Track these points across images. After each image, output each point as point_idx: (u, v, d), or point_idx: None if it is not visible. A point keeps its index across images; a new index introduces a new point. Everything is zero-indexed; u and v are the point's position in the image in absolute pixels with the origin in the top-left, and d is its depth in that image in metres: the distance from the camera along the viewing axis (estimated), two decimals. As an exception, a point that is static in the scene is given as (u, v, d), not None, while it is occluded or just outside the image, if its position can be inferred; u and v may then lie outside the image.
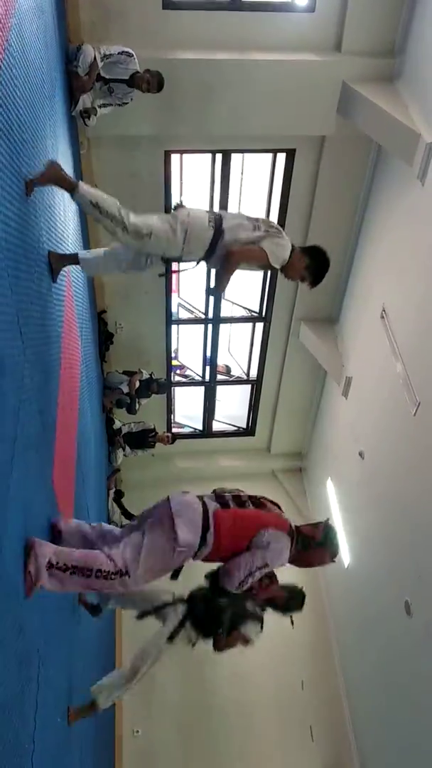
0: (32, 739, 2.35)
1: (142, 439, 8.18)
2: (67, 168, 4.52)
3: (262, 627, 3.72)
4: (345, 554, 7.79)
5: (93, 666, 4.87)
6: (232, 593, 2.93)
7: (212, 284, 3.86)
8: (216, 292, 3.89)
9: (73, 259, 3.82)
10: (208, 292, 4.07)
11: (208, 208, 3.83)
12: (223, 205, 7.01)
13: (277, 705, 7.82)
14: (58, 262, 3.50)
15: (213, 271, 3.85)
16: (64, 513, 3.44)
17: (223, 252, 3.57)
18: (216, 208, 7.00)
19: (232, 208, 7.24)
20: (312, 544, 3.09)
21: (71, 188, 3.24)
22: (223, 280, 3.70)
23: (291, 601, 3.83)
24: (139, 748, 7.37)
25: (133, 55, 5.18)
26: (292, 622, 7.71)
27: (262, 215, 3.92)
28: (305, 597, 3.88)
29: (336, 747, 7.59)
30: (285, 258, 3.65)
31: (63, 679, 3.25)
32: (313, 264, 3.79)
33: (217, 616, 3.57)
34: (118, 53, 5.15)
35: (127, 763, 7.17)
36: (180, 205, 3.77)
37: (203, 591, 3.43)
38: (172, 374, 9.03)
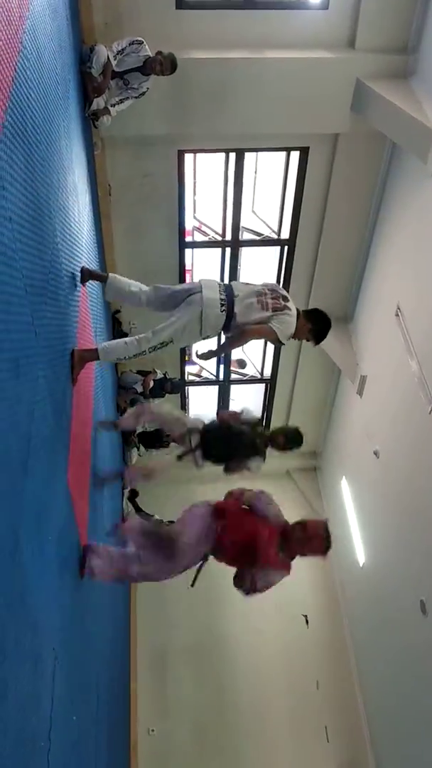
0: (48, 737, 2.36)
1: (157, 439, 8.18)
2: (81, 170, 4.55)
3: (264, 460, 4.43)
4: (360, 553, 7.76)
5: (108, 662, 4.89)
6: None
7: (213, 348, 4.33)
8: (214, 355, 4.35)
9: (101, 277, 4.25)
10: (206, 355, 4.31)
11: (218, 281, 4.15)
12: (237, 202, 6.99)
13: (292, 705, 7.80)
14: (87, 275, 4.07)
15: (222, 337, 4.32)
16: (78, 512, 3.45)
17: (236, 331, 4.00)
18: (226, 278, 7.35)
19: (245, 211, 7.22)
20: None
21: (95, 358, 3.84)
22: (229, 349, 4.51)
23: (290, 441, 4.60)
24: (154, 747, 7.39)
25: (143, 42, 5.16)
26: (307, 622, 7.77)
27: (269, 281, 4.32)
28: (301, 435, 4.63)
29: (351, 747, 7.56)
30: (291, 333, 4.05)
31: (78, 677, 3.26)
32: (315, 327, 4.19)
33: (228, 444, 4.32)
34: (129, 44, 5.16)
35: (142, 761, 7.19)
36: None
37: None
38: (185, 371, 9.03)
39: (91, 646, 3.83)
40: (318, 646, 8.24)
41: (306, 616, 8.44)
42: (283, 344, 4.13)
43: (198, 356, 4.35)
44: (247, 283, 4.16)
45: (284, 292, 4.13)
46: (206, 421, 4.45)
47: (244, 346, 4.48)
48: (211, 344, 4.38)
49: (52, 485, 2.75)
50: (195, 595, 7.77)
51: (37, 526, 2.37)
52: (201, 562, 3.62)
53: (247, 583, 3.46)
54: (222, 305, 3.89)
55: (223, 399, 9.33)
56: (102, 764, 4.08)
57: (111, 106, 5.36)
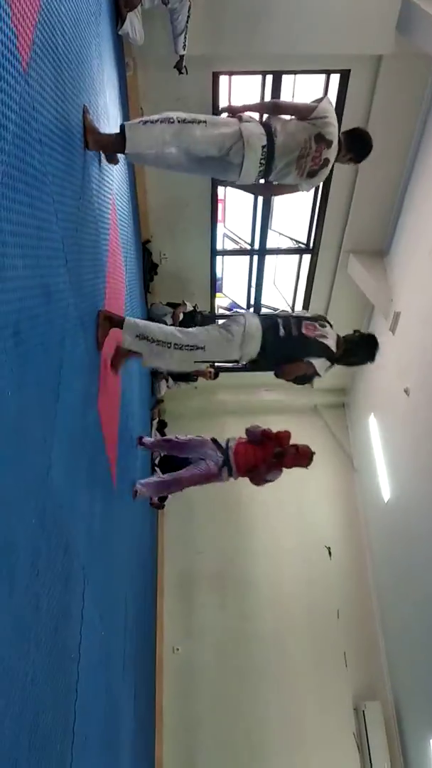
0: (78, 650, 2.48)
1: (185, 373, 8.22)
2: (113, 91, 4.41)
3: (332, 364, 3.75)
4: (385, 490, 7.83)
5: (135, 583, 5.08)
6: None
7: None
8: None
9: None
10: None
11: (263, 134, 3.40)
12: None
13: (313, 632, 8.07)
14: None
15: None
16: (108, 440, 3.52)
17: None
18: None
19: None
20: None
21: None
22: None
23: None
24: (178, 664, 7.75)
25: None
26: (330, 554, 7.98)
27: (315, 105, 3.54)
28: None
29: (369, 674, 7.85)
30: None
31: (107, 595, 3.40)
32: (356, 153, 3.75)
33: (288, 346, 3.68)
34: None
35: (167, 678, 7.57)
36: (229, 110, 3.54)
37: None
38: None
39: (119, 567, 3.98)
40: (340, 577, 8.44)
41: (329, 548, 8.62)
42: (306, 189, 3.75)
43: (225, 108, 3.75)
44: (295, 126, 3.52)
45: (331, 134, 3.48)
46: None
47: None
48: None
49: (82, 412, 2.79)
50: (221, 524, 8.01)
51: (68, 450, 2.42)
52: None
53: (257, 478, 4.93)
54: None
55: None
56: (129, 678, 4.30)
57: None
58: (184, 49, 5.47)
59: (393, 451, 7.68)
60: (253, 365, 3.71)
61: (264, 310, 3.99)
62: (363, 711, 7.47)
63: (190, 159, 3.37)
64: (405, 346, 7.08)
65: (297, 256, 8.49)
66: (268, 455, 4.78)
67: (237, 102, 3.79)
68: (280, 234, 8.25)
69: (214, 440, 5.00)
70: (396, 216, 7.32)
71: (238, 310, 9.20)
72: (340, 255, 8.00)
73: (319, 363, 3.66)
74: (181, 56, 5.57)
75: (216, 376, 8.33)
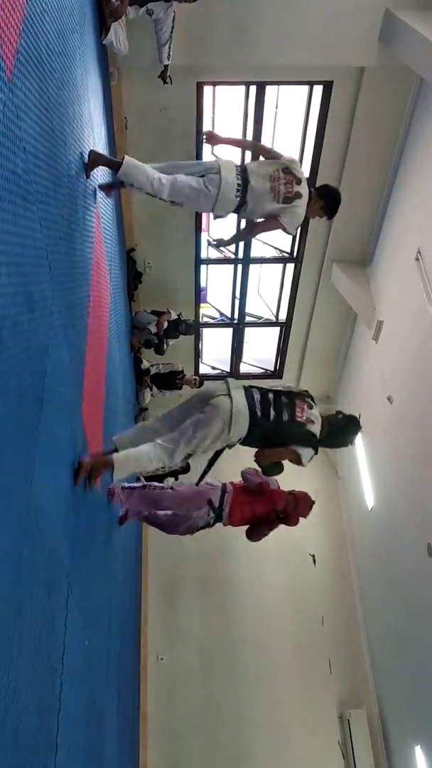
0: (62, 660, 2.46)
1: (170, 381, 8.23)
2: (97, 100, 4.43)
3: (315, 453, 3.61)
4: (369, 497, 7.86)
5: (119, 591, 5.05)
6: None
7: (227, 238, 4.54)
8: (229, 244, 4.67)
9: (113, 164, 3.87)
10: (221, 242, 4.45)
11: (237, 163, 4.07)
12: (257, 139, 6.81)
13: (297, 639, 8.07)
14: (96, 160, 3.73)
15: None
16: (92, 448, 3.51)
17: (248, 223, 4.26)
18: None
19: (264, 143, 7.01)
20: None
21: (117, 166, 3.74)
22: (242, 239, 4.74)
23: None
24: (163, 672, 7.71)
25: None
26: (315, 561, 7.93)
27: (284, 155, 4.11)
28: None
29: (354, 681, 7.85)
30: (299, 224, 4.15)
31: (91, 603, 3.38)
32: (327, 203, 4.19)
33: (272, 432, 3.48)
34: None
35: (151, 687, 7.52)
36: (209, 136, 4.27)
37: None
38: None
39: (103, 574, 3.96)
40: (324, 584, 8.45)
41: (314, 555, 8.63)
42: (292, 234, 4.25)
43: (212, 243, 4.34)
44: (265, 161, 4.12)
45: (299, 172, 4.04)
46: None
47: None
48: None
49: (66, 419, 2.78)
50: (205, 533, 7.94)
51: (51, 458, 2.42)
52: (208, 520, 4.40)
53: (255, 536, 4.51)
54: (237, 191, 3.92)
55: (238, 342, 9.32)
56: (113, 687, 4.27)
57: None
58: (169, 59, 5.50)
59: (376, 458, 7.72)
60: (243, 442, 3.52)
61: (250, 382, 3.70)
62: (348, 719, 7.47)
63: (174, 191, 3.87)
64: (388, 355, 7.14)
65: (281, 265, 8.54)
66: (265, 513, 4.38)
67: (220, 129, 4.44)
68: (264, 243, 8.29)
69: (210, 502, 4.40)
70: (379, 225, 7.39)
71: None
72: (324, 264, 8.06)
73: (305, 452, 3.52)
74: (166, 66, 5.60)
75: (201, 384, 8.34)
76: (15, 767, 1.77)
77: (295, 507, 4.44)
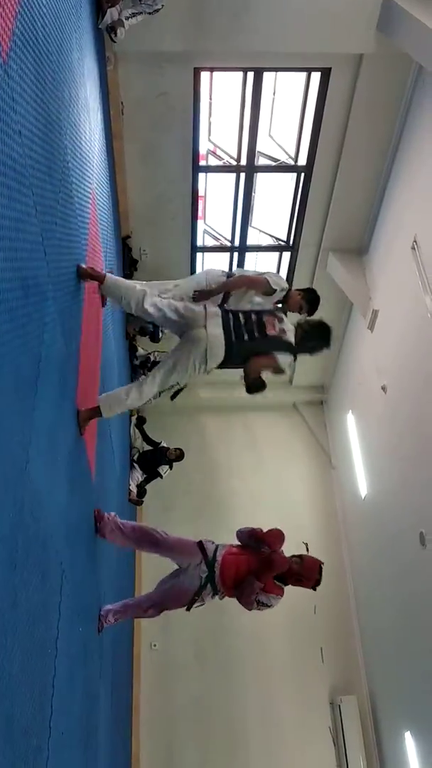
0: (55, 645, 2.47)
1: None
2: (93, 85, 4.38)
3: (295, 359, 3.91)
4: (362, 486, 7.90)
5: (113, 578, 5.07)
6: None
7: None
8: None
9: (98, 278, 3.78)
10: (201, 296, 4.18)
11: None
12: (254, 126, 6.78)
13: (289, 627, 8.10)
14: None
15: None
16: (87, 434, 3.51)
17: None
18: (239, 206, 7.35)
19: (262, 136, 6.99)
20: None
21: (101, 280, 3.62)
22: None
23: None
24: (156, 660, 7.75)
25: None
26: (308, 550, 7.95)
27: (267, 275, 4.15)
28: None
29: (345, 669, 7.92)
30: (291, 361, 3.93)
31: (84, 590, 3.39)
32: (308, 297, 4.23)
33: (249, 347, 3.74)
34: None
35: (144, 672, 7.56)
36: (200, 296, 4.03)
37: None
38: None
39: (97, 561, 3.96)
40: (317, 572, 8.49)
41: (306, 544, 8.62)
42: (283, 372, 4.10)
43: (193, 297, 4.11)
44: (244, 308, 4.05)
45: (280, 314, 3.99)
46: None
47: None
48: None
49: (61, 406, 2.78)
50: (198, 518, 7.92)
51: (46, 445, 2.41)
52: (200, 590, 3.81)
53: (247, 594, 3.72)
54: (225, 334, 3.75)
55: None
56: (106, 673, 4.29)
57: (125, 18, 5.13)
58: (124, 25, 5.16)
59: (370, 447, 7.75)
60: (221, 366, 3.79)
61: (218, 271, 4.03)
62: (339, 705, 7.54)
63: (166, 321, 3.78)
64: (382, 344, 7.14)
65: (277, 254, 8.51)
66: (258, 563, 3.78)
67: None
68: (260, 231, 8.27)
69: (201, 546, 3.89)
70: (375, 215, 7.37)
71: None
72: (320, 253, 8.04)
73: (282, 357, 3.79)
74: (114, 24, 5.13)
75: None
76: (9, 749, 1.78)
77: (299, 569, 3.93)
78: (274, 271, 4.41)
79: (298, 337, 3.84)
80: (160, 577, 4.25)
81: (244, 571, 3.75)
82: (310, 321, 4.03)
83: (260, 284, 4.10)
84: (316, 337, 3.93)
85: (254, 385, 3.86)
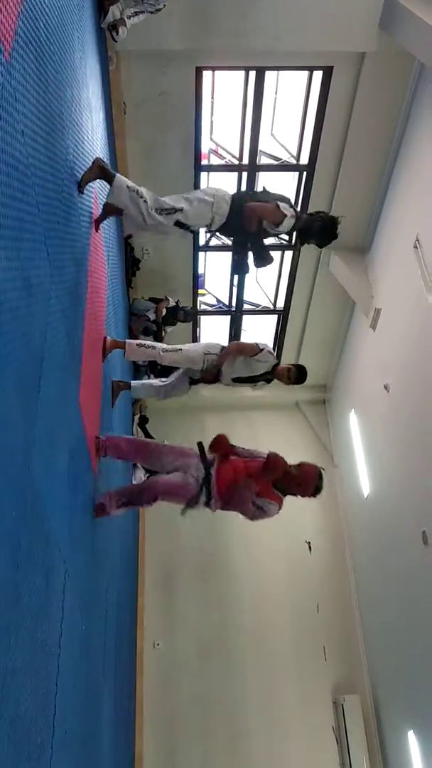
0: (59, 644, 2.48)
1: (167, 369, 8.20)
2: (95, 85, 4.39)
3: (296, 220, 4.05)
4: (365, 485, 7.89)
5: (116, 577, 5.08)
6: None
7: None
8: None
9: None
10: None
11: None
12: (256, 125, 6.78)
13: (293, 626, 8.12)
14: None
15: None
16: (89, 432, 3.51)
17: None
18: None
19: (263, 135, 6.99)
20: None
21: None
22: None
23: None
24: (159, 659, 7.76)
25: None
26: (310, 549, 7.91)
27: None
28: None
29: (348, 667, 7.92)
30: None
31: (88, 589, 3.40)
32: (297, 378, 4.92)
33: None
34: None
35: (147, 672, 7.57)
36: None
37: None
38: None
39: (100, 560, 3.97)
40: (320, 571, 8.50)
41: (309, 543, 8.67)
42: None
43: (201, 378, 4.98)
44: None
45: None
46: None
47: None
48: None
49: (63, 404, 2.78)
50: (202, 519, 7.94)
51: (49, 443, 2.42)
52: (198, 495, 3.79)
53: (244, 498, 3.64)
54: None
55: (235, 329, 9.30)
56: (109, 672, 4.29)
57: (127, 17, 5.13)
58: (126, 24, 5.13)
59: (373, 446, 7.74)
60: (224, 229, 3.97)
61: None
62: (342, 704, 7.53)
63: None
64: (385, 343, 7.14)
65: (279, 253, 8.51)
66: (253, 469, 3.67)
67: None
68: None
69: (201, 447, 3.80)
70: (377, 213, 7.36)
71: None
72: (322, 252, 8.03)
73: (284, 206, 3.91)
74: (116, 23, 5.09)
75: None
76: (12, 747, 1.78)
77: (297, 474, 3.69)
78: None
79: (302, 223, 4.07)
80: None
81: (241, 474, 3.66)
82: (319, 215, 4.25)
83: (249, 350, 4.68)
84: (319, 228, 4.18)
85: (262, 259, 4.10)
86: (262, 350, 4.66)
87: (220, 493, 3.67)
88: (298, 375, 4.83)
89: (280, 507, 3.69)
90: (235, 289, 8.73)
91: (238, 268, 4.42)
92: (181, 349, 4.80)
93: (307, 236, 4.14)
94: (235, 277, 8.50)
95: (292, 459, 3.74)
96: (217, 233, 4.11)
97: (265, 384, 5.04)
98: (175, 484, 3.76)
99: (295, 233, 4.17)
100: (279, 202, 3.91)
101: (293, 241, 4.25)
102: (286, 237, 4.09)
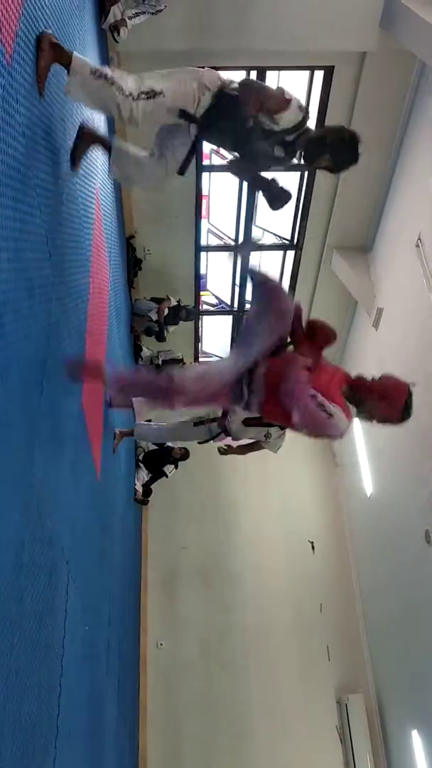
0: (62, 644, 2.49)
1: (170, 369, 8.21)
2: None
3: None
4: (368, 484, 7.89)
5: (119, 577, 5.08)
6: None
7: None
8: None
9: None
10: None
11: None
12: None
13: (296, 626, 8.11)
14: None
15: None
16: (91, 433, 3.52)
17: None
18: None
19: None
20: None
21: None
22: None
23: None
24: (162, 658, 7.76)
25: None
26: (313, 548, 7.90)
27: None
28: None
29: (351, 667, 7.91)
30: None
31: (91, 590, 3.40)
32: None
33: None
34: None
35: (151, 672, 7.57)
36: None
37: None
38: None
39: (103, 561, 3.98)
40: (323, 571, 8.49)
41: (312, 543, 8.67)
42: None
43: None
44: None
45: None
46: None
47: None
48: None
49: (65, 406, 2.79)
50: (204, 519, 7.93)
51: (52, 443, 2.42)
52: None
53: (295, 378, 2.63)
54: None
55: (238, 329, 9.30)
56: (112, 672, 4.30)
57: (128, 18, 5.14)
58: (127, 25, 5.11)
59: (376, 445, 7.73)
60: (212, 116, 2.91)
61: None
62: (345, 704, 7.53)
63: None
64: (387, 342, 7.13)
65: (281, 252, 8.51)
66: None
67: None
68: (264, 230, 8.26)
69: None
70: (379, 212, 7.36)
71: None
72: (324, 251, 8.02)
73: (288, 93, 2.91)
74: (117, 23, 5.06)
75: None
76: (17, 748, 1.79)
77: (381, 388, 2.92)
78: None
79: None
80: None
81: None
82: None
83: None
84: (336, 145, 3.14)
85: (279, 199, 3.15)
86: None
87: (268, 378, 2.72)
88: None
89: (349, 422, 2.72)
90: (237, 289, 8.73)
91: (277, 197, 3.20)
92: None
93: (318, 150, 3.07)
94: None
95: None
96: (202, 126, 2.95)
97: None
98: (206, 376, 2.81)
99: (303, 149, 3.09)
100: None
101: (300, 158, 3.10)
102: (290, 157, 3.04)
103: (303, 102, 3.02)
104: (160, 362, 8.06)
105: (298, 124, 3.01)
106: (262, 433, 4.89)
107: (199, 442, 5.33)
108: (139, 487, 7.25)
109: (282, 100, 2.90)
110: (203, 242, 8.16)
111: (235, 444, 5.14)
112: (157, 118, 2.94)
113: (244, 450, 5.18)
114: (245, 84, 3.01)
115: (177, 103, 2.85)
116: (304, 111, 3.01)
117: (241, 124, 2.94)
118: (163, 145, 3.19)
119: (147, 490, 7.49)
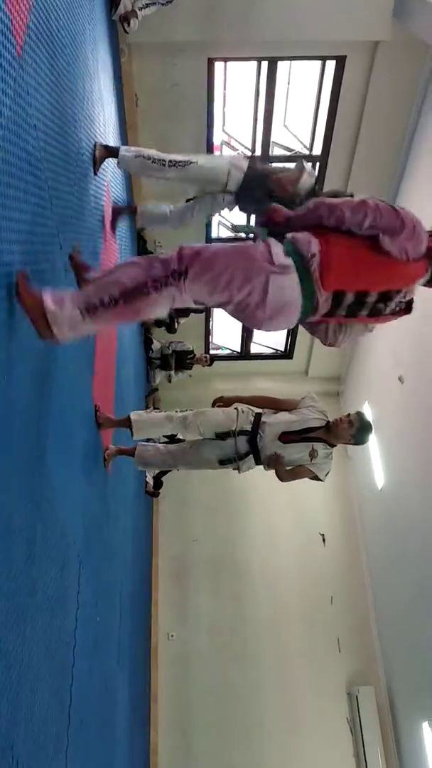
0: (74, 635, 2.50)
1: (180, 361, 8.22)
2: (107, 76, 4.38)
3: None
4: (379, 477, 7.87)
5: (130, 569, 5.10)
6: None
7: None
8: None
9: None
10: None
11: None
12: (268, 115, 6.74)
13: (306, 618, 8.12)
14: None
15: None
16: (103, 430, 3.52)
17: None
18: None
19: (276, 126, 6.94)
20: None
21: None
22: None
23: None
24: (173, 650, 7.80)
25: None
26: (324, 541, 7.92)
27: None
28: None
29: (362, 659, 7.91)
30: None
31: (102, 581, 3.42)
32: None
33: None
34: None
35: (162, 663, 7.62)
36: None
37: None
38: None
39: (114, 552, 3.99)
40: (334, 563, 8.49)
41: (323, 535, 8.66)
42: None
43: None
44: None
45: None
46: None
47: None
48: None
49: (78, 396, 2.80)
50: (215, 511, 7.93)
51: (63, 435, 2.43)
52: None
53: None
54: None
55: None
56: (124, 663, 4.33)
57: (138, 9, 5.11)
58: (137, 16, 5.10)
59: (387, 438, 7.70)
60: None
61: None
62: (356, 696, 7.54)
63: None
64: (399, 334, 7.08)
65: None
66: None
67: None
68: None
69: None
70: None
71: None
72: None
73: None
74: (128, 14, 5.03)
75: (211, 362, 8.36)
76: (29, 737, 1.80)
77: None
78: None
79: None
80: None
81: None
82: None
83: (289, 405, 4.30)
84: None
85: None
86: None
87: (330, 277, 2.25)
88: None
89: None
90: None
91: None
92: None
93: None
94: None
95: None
96: (233, 200, 3.83)
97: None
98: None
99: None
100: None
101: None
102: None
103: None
104: (171, 352, 8.07)
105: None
106: (306, 451, 4.12)
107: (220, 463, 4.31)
108: (149, 480, 7.28)
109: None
110: (214, 234, 8.14)
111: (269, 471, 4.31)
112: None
113: (287, 475, 4.33)
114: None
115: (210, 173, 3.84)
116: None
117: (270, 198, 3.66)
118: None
119: (158, 483, 7.52)
